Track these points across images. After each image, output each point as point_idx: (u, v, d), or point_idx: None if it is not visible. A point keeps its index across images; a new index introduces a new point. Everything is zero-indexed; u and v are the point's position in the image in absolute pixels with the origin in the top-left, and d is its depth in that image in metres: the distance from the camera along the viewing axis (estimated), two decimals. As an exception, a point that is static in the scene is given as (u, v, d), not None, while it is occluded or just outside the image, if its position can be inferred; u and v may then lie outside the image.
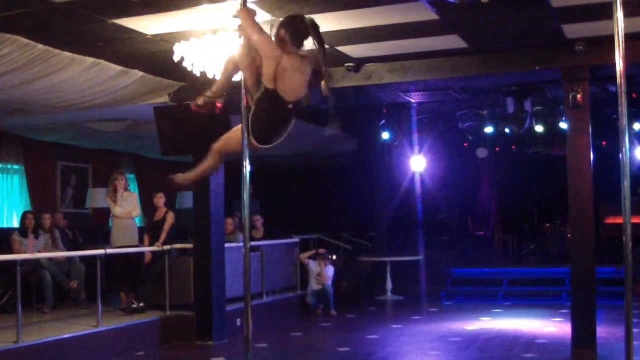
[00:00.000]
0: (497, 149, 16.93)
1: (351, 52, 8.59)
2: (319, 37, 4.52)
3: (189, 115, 8.65)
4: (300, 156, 16.13)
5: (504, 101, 11.80)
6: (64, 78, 8.24)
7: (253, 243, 11.00)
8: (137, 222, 10.61)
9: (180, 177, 5.10)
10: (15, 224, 12.48)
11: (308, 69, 4.61)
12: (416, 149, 15.61)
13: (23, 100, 9.07)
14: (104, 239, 12.13)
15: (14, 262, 8.43)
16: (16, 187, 13.32)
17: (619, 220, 4.22)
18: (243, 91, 4.69)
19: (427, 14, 7.00)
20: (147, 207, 12.18)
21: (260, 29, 4.48)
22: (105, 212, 12.22)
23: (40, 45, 7.31)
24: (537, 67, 8.60)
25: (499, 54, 8.68)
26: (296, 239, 13.28)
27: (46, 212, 11.35)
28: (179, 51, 7.24)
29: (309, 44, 4.57)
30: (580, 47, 8.08)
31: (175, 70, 8.09)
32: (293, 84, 4.56)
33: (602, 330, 8.97)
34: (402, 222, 17.08)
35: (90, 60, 8.00)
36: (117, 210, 10.16)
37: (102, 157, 14.85)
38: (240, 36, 4.69)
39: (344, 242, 16.60)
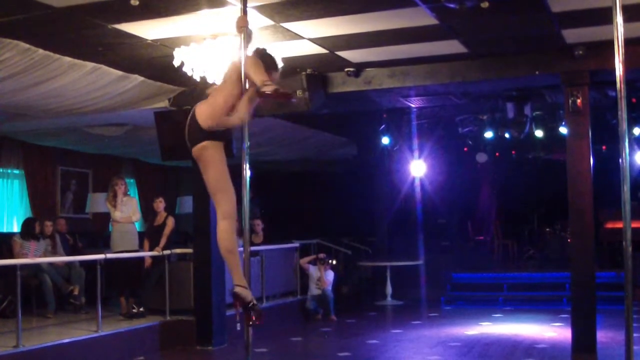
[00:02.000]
0: (497, 154, 16.94)
1: (351, 57, 8.60)
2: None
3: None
4: (300, 161, 16.15)
5: (504, 106, 11.79)
6: (64, 83, 8.25)
7: (253, 248, 10.99)
8: (137, 227, 10.61)
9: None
10: (16, 229, 12.48)
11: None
12: (416, 153, 15.59)
13: (23, 105, 9.08)
14: (104, 244, 12.14)
15: (14, 266, 8.43)
16: (16, 192, 13.32)
17: (619, 225, 4.22)
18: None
19: (427, 19, 7.01)
20: (147, 212, 12.18)
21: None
22: (106, 217, 12.23)
23: (40, 50, 7.32)
24: (537, 72, 8.61)
25: (499, 59, 8.68)
26: (296, 244, 13.27)
27: (48, 219, 11.36)
28: (179, 56, 7.25)
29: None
30: (580, 52, 8.09)
31: (176, 75, 8.11)
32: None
33: (603, 335, 8.96)
34: (402, 227, 17.06)
35: (90, 65, 8.01)
36: (117, 215, 10.17)
37: (102, 162, 14.86)
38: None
39: (344, 247, 16.59)
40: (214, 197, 4.67)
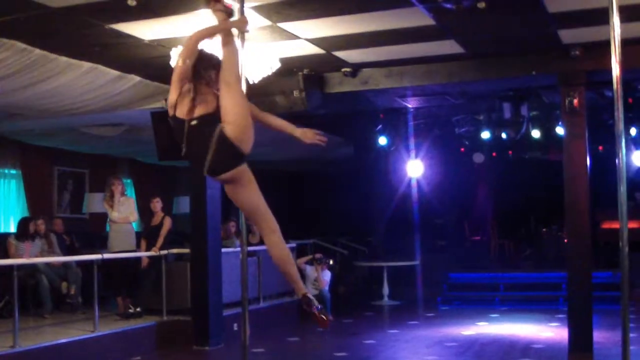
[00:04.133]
0: (493, 154, 16.95)
1: (348, 58, 8.61)
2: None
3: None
4: (297, 161, 16.13)
5: (501, 106, 11.81)
6: (61, 83, 8.23)
7: (250, 248, 10.99)
8: (135, 227, 10.59)
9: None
10: (12, 229, 12.46)
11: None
12: (413, 154, 15.61)
13: (20, 105, 9.06)
14: (101, 244, 12.11)
15: (10, 266, 8.41)
16: (13, 192, 13.29)
17: (616, 225, 4.23)
18: None
19: (424, 20, 7.02)
20: (144, 212, 12.17)
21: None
22: (103, 217, 12.21)
23: (37, 50, 7.31)
24: (533, 72, 8.62)
25: (495, 59, 8.70)
26: (293, 244, 13.25)
27: (40, 218, 11.30)
28: (176, 56, 7.24)
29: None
30: (577, 53, 8.11)
31: (173, 76, 8.08)
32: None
33: (599, 335, 8.97)
34: (399, 227, 17.07)
35: (87, 65, 8.00)
36: (114, 215, 10.16)
37: (99, 162, 14.82)
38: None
39: (340, 247, 16.59)
40: (257, 212, 4.45)
